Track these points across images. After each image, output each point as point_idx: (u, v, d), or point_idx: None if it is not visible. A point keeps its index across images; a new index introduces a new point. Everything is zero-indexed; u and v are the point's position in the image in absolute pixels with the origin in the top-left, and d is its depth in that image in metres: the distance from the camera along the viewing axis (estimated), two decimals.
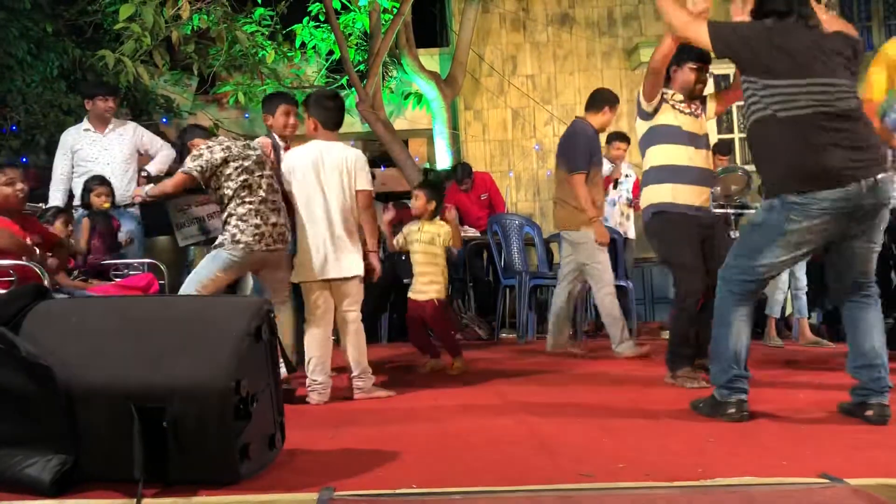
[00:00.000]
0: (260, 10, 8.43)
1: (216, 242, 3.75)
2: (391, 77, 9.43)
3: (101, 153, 5.37)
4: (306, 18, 8.66)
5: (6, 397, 2.10)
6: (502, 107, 9.83)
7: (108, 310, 2.36)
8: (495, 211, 7.38)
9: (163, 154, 5.63)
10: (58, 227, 4.54)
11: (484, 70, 9.81)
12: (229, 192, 3.70)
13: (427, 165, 8.97)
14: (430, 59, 9.74)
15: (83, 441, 2.12)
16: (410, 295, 4.75)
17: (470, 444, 2.71)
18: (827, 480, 2.06)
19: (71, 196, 5.41)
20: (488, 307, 6.97)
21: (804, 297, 5.81)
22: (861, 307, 2.98)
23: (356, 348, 3.82)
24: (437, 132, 9.23)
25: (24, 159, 6.98)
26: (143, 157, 5.64)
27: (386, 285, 5.92)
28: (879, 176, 2.79)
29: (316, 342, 3.73)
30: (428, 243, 4.67)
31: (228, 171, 3.71)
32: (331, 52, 8.90)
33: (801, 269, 5.73)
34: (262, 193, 3.74)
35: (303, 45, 8.85)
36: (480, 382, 4.23)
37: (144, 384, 2.10)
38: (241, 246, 3.66)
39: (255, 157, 3.81)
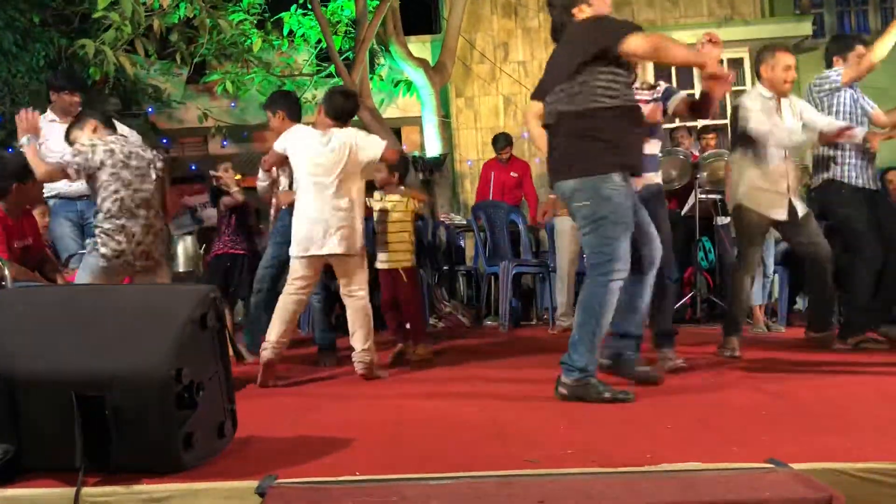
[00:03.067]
0: None
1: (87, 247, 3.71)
2: (380, 65, 9.39)
3: (64, 144, 5.35)
4: (294, 6, 8.62)
5: None
6: (494, 94, 9.79)
7: (53, 299, 2.36)
8: (525, 192, 7.66)
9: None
10: (36, 217, 4.52)
11: (475, 57, 9.76)
12: (100, 201, 3.66)
13: (415, 154, 8.94)
14: (422, 46, 9.69)
15: (25, 430, 2.12)
16: (378, 265, 4.62)
17: (427, 432, 2.71)
18: (772, 465, 2.05)
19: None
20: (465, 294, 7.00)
21: (763, 284, 5.76)
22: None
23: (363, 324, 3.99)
24: (427, 120, 9.19)
25: (10, 150, 6.98)
26: None
27: None
28: None
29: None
30: (392, 210, 4.59)
31: (104, 177, 3.63)
32: (320, 41, 8.86)
33: (769, 256, 5.71)
34: (133, 210, 3.68)
35: (291, 33, 8.81)
36: (453, 369, 4.23)
37: (85, 372, 2.10)
38: (103, 258, 3.64)
39: (137, 166, 3.73)
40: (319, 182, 3.88)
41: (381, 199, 4.61)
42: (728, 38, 9.05)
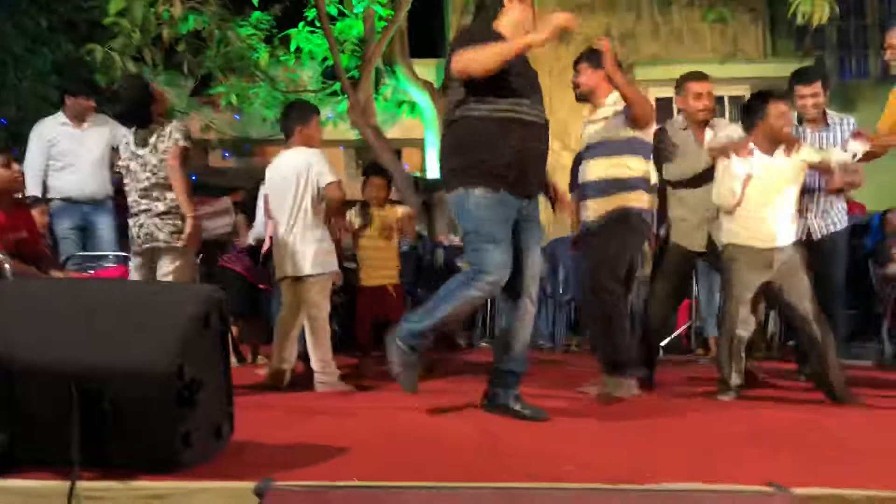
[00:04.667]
0: (256, 14, 8.46)
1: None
2: (385, 85, 9.45)
3: (79, 148, 5.36)
4: (302, 23, 8.68)
5: None
6: None
7: (58, 291, 2.34)
8: None
9: None
10: (35, 216, 4.52)
11: None
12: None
13: (416, 175, 8.97)
14: (427, 69, 9.75)
15: (23, 421, 2.09)
16: (361, 283, 4.65)
17: (421, 442, 2.69)
18: (773, 489, 2.04)
19: (45, 187, 5.38)
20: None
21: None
22: None
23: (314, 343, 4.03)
24: (429, 142, 9.24)
25: (15, 152, 6.97)
26: (115, 153, 5.64)
27: None
28: None
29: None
30: (380, 228, 4.64)
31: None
32: (326, 58, 8.91)
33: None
34: (133, 195, 3.90)
35: (298, 49, 8.87)
36: (448, 384, 4.21)
37: (86, 365, 2.08)
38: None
39: (132, 154, 3.92)
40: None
41: (372, 214, 4.65)
42: (730, 75, 9.19)
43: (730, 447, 2.71)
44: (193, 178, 9.18)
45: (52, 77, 7.66)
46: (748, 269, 3.78)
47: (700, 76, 4.26)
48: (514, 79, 3.09)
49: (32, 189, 5.30)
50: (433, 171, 9.01)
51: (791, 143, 3.77)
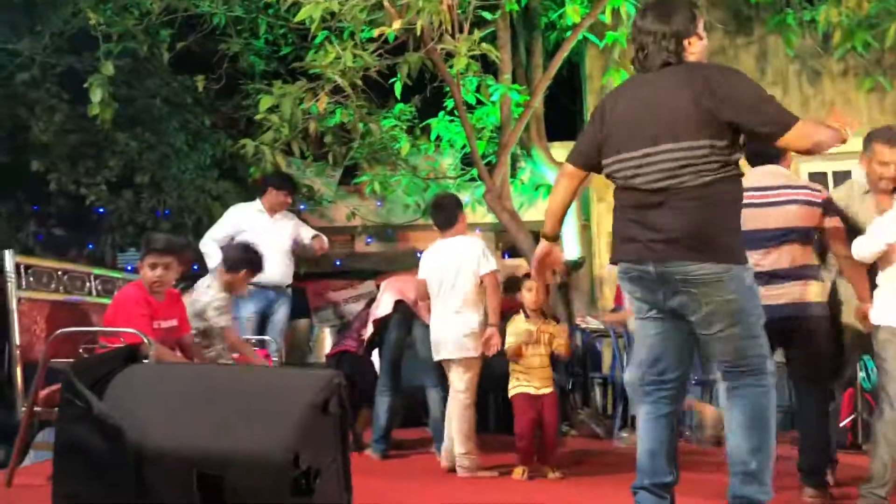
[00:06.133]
0: (399, 106, 8.80)
1: None
2: (522, 168, 9.51)
3: (270, 236, 5.69)
4: (441, 113, 8.93)
5: (81, 456, 2.17)
6: None
7: (188, 376, 2.42)
8: None
9: (318, 238, 6.19)
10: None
11: None
12: None
13: None
14: (564, 151, 9.69)
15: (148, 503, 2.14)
16: (520, 390, 4.32)
17: None
18: None
19: None
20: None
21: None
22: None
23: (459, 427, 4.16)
24: (566, 223, 9.13)
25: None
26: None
27: None
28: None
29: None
30: (546, 344, 4.33)
31: None
32: (465, 145, 9.11)
33: None
34: None
35: (438, 138, 9.11)
36: (584, 484, 3.99)
37: (208, 451, 2.12)
38: None
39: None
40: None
41: (537, 328, 4.33)
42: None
43: None
44: (338, 263, 9.56)
45: (211, 170, 8.24)
46: None
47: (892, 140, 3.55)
48: None
49: (213, 257, 5.64)
50: (571, 253, 8.90)
51: None
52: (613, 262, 2.84)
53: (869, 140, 3.59)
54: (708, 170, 2.56)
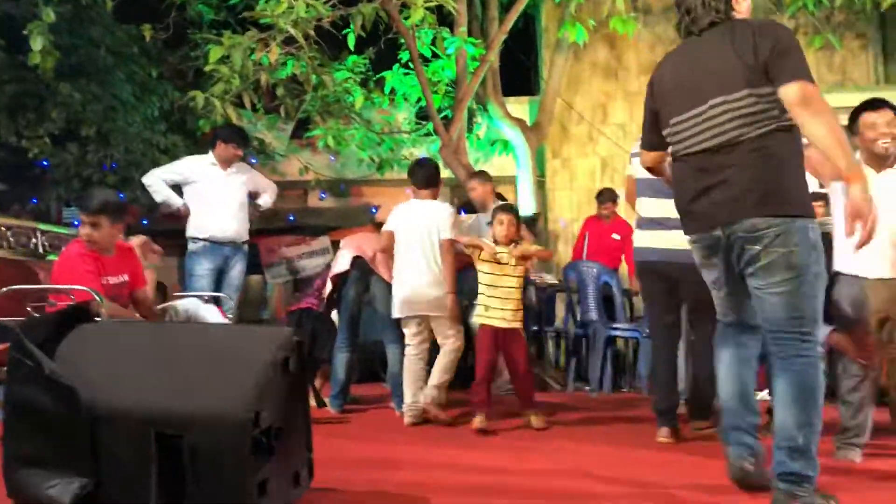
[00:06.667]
0: (352, 58, 8.63)
1: None
2: (478, 123, 9.46)
3: (224, 192, 5.55)
4: (396, 65, 8.81)
5: (32, 416, 2.12)
6: (591, 155, 9.68)
7: (142, 336, 2.36)
8: (626, 255, 7.15)
9: (271, 190, 5.98)
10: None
11: (573, 118, 9.71)
12: None
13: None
14: (520, 106, 9.71)
15: (104, 465, 2.10)
16: (483, 321, 4.30)
17: (508, 500, 2.57)
18: None
19: (177, 216, 5.62)
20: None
21: None
22: None
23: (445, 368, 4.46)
24: (521, 179, 9.17)
25: (122, 195, 7.30)
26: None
27: None
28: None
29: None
30: (515, 265, 4.29)
31: None
32: (420, 99, 9.01)
33: None
34: None
35: (392, 91, 8.99)
36: (539, 435, 4.04)
37: (166, 411, 2.08)
38: None
39: None
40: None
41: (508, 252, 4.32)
42: (839, 105, 8.74)
43: None
44: (292, 218, 9.44)
45: (159, 123, 8.01)
46: None
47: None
48: None
49: (159, 192, 5.54)
50: (526, 209, 8.92)
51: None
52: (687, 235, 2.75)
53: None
54: (762, 120, 2.48)
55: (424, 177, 4.71)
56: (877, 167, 3.46)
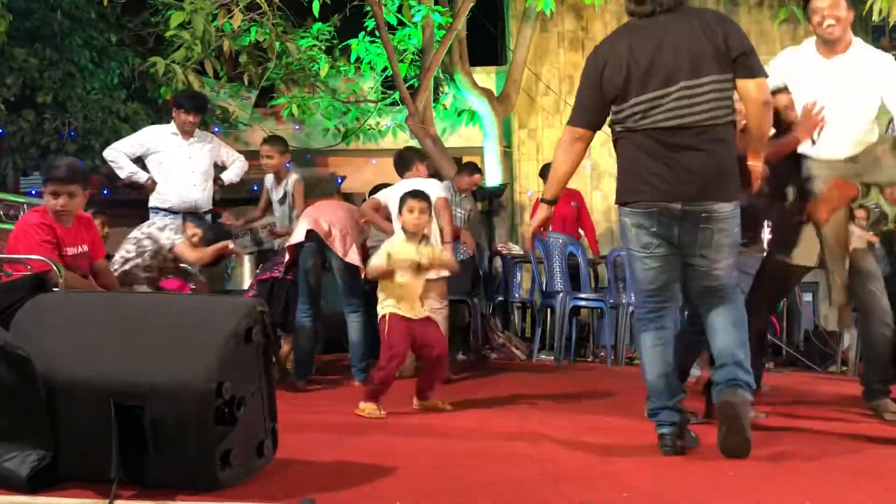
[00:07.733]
0: (317, 26, 8.49)
1: None
2: (444, 93, 9.39)
3: (186, 161, 5.42)
4: (362, 34, 8.69)
5: None
6: (558, 126, 9.67)
7: (101, 305, 2.32)
8: (582, 223, 7.35)
9: (237, 165, 5.84)
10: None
11: (540, 89, 9.69)
12: None
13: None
14: (487, 76, 9.66)
15: (62, 437, 2.07)
16: (392, 311, 3.73)
17: (474, 465, 2.58)
18: None
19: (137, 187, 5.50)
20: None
21: None
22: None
23: None
24: (488, 149, 9.15)
25: (82, 163, 7.13)
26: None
27: None
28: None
29: None
30: (426, 268, 3.83)
31: None
32: (386, 68, 8.91)
33: None
34: None
35: (358, 59, 8.87)
36: (504, 403, 4.07)
37: (126, 381, 2.04)
38: None
39: None
40: None
41: (417, 251, 3.80)
42: None
43: (800, 473, 2.52)
44: (255, 188, 9.33)
45: (119, 91, 7.82)
46: None
47: None
48: None
49: (123, 167, 5.41)
50: (493, 179, 8.91)
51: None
52: (627, 201, 2.82)
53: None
54: (726, 107, 2.73)
55: (402, 162, 5.12)
56: (827, 53, 3.56)
